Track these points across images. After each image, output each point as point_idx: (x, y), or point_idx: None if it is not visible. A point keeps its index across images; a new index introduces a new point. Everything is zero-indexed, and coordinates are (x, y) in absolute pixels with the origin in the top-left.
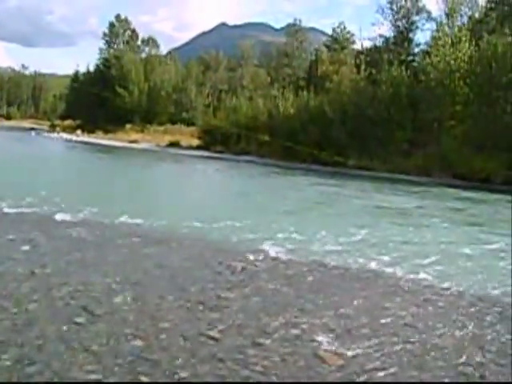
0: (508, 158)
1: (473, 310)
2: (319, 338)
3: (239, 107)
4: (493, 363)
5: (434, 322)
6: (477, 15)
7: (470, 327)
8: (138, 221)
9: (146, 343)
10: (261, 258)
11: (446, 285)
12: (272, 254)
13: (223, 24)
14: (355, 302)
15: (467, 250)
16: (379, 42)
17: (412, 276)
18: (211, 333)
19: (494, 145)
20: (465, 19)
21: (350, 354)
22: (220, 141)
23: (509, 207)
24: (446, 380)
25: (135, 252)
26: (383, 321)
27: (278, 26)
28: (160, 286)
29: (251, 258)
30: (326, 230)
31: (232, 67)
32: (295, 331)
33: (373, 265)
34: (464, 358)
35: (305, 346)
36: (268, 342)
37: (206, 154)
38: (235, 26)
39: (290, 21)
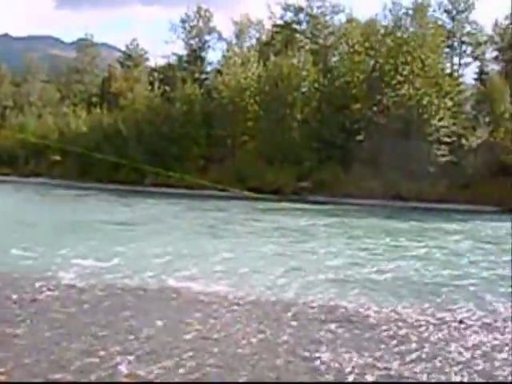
0: (296, 170)
1: (267, 315)
2: (119, 364)
3: (26, 125)
4: (287, 364)
5: (232, 331)
6: (264, 38)
7: (265, 332)
8: None
9: None
10: (52, 286)
11: (240, 294)
12: (65, 280)
13: (6, 35)
14: (155, 322)
15: (261, 259)
16: (173, 60)
17: (208, 289)
18: None
19: (284, 158)
20: (253, 41)
21: (151, 375)
22: (6, 162)
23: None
24: None
25: None
26: (184, 337)
27: (67, 40)
28: None
29: (43, 287)
30: (121, 251)
31: (17, 82)
32: (93, 360)
33: (170, 282)
34: (262, 363)
35: (104, 373)
36: (63, 375)
37: None
38: (19, 38)
39: (81, 35)
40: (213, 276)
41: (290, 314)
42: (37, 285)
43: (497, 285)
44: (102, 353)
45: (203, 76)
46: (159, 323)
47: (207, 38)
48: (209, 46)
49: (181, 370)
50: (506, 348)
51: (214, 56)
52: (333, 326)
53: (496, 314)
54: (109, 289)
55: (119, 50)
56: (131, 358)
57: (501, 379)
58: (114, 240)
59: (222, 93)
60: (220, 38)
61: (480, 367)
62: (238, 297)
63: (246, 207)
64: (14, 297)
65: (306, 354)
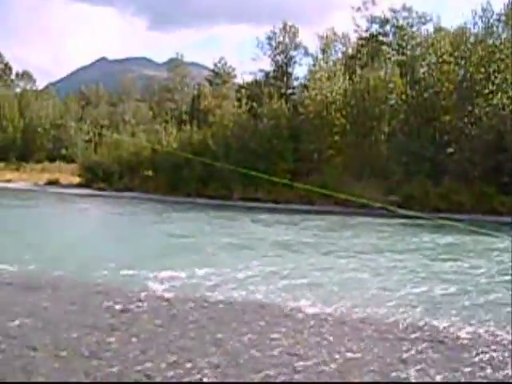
0: (384, 184)
1: (354, 333)
2: (205, 377)
3: (121, 143)
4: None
5: (318, 348)
6: (350, 51)
7: (352, 351)
8: (8, 267)
9: None
10: (143, 297)
11: (328, 310)
12: (156, 292)
13: (103, 58)
14: (241, 336)
15: (348, 276)
16: (259, 77)
17: (294, 304)
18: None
19: (371, 172)
20: (339, 55)
21: None
22: (102, 177)
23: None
24: None
25: (4, 302)
26: (269, 353)
27: (159, 61)
28: (33, 336)
29: (134, 298)
30: (210, 264)
31: (113, 102)
32: (179, 371)
33: (257, 296)
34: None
35: None
36: None
37: (86, 191)
38: (116, 61)
39: (172, 55)
40: (298, 292)
41: (377, 333)
42: (129, 296)
43: None
44: (188, 365)
45: (289, 91)
46: (245, 337)
47: (293, 53)
48: (295, 62)
49: None
50: None
51: (300, 71)
52: (422, 346)
53: None
54: (197, 301)
55: (208, 69)
56: (217, 371)
57: None
58: (196, 253)
59: (308, 107)
60: (306, 53)
61: None
62: (325, 313)
63: (338, 222)
64: (107, 306)
65: (394, 374)
